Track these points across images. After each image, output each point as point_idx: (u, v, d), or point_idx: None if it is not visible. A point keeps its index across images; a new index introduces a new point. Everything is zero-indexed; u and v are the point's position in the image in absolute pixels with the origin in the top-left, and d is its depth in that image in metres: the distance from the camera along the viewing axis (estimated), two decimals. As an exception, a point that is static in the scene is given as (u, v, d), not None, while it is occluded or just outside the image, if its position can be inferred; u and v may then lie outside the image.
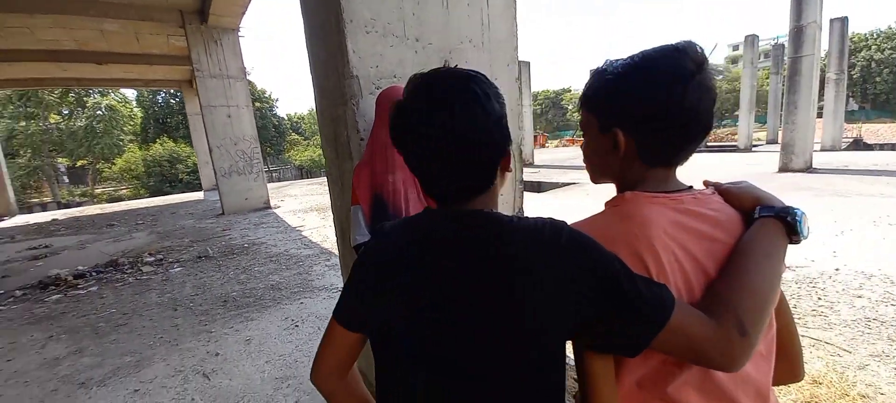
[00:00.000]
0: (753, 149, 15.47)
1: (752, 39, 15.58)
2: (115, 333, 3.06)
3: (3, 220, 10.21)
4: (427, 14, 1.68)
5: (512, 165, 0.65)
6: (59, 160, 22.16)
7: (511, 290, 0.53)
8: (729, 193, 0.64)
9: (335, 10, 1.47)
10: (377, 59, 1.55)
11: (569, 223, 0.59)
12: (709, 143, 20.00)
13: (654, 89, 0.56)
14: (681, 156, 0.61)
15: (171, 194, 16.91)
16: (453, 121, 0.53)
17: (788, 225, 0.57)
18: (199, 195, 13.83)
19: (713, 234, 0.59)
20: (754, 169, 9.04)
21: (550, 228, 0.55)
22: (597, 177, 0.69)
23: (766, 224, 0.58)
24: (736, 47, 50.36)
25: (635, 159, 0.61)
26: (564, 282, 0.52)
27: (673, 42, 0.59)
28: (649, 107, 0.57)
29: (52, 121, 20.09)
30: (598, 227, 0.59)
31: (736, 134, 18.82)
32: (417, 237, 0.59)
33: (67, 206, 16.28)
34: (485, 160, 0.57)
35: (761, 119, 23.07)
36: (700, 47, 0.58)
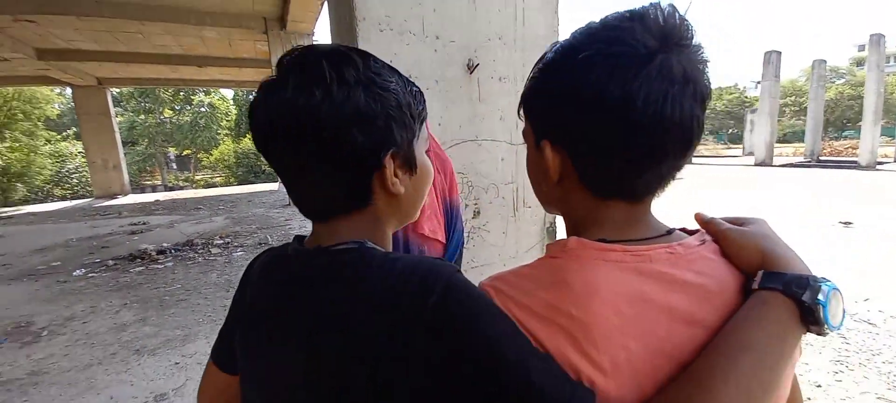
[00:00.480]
0: (878, 166, 13.03)
1: (877, 39, 13.19)
2: (175, 307, 3.39)
3: (117, 198, 12.07)
4: (450, 9, 1.58)
5: (404, 181, 0.49)
6: (169, 149, 25.69)
7: (340, 374, 0.39)
8: (727, 241, 0.43)
9: (348, 7, 1.43)
10: (391, 59, 1.47)
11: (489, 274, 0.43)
12: (821, 157, 17.11)
13: (587, 81, 0.38)
14: (645, 183, 0.42)
15: (254, 184, 18.74)
16: (281, 106, 0.41)
17: (804, 307, 0.36)
18: (274, 185, 15.14)
19: (694, 315, 0.39)
20: (874, 194, 7.55)
21: (419, 283, 0.39)
22: (545, 207, 0.53)
23: (767, 302, 0.37)
24: (861, 48, 42.95)
25: (577, 187, 0.44)
26: (418, 372, 0.37)
27: (637, 7, 0.39)
28: (581, 109, 0.39)
29: (165, 115, 23.39)
30: (518, 289, 0.42)
31: (857, 147, 15.97)
32: (272, 275, 0.49)
33: (171, 189, 18.79)
34: (332, 163, 0.43)
35: (889, 131, 19.38)
36: (670, 9, 0.38)
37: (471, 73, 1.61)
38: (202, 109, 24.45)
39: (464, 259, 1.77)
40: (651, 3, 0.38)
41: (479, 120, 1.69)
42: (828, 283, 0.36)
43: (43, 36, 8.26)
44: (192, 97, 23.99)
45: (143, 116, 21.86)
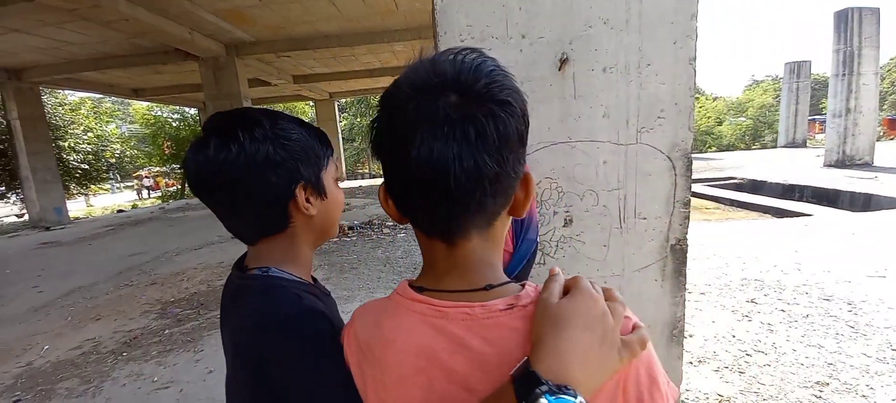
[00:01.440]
0: None
1: None
2: (349, 273, 4.28)
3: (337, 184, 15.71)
4: (539, 1, 1.48)
5: (316, 204, 0.61)
6: (375, 144, 31.71)
7: (240, 385, 0.54)
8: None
9: (433, 25, 1.52)
10: (472, 64, 1.50)
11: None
12: None
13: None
14: (431, 223, 0.41)
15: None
16: (206, 164, 0.56)
17: None
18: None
19: (470, 382, 0.37)
20: None
21: (260, 319, 0.52)
22: None
23: (500, 394, 0.34)
24: None
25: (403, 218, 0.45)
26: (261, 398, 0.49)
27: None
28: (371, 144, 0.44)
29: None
30: (362, 321, 0.46)
31: None
32: (225, 291, 0.64)
33: (374, 178, 23.23)
34: (255, 199, 0.57)
35: None
36: (461, 59, 0.37)
37: (560, 69, 1.48)
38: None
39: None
40: (450, 55, 0.38)
41: (574, 119, 1.54)
42: (556, 398, 0.29)
43: (295, 66, 11.43)
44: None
45: (359, 119, 27.62)
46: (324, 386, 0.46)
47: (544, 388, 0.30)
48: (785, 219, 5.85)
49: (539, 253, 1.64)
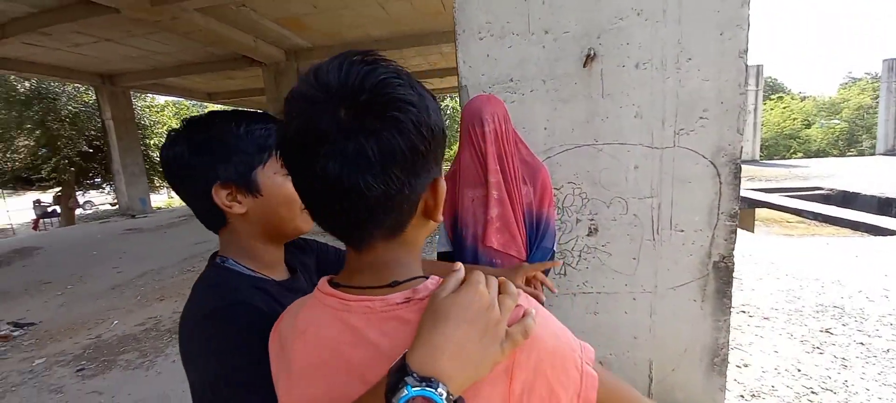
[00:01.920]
0: None
1: None
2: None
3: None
4: (563, -4, 1.38)
5: (247, 202, 0.61)
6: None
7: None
8: None
9: (453, 22, 1.47)
10: (489, 64, 1.45)
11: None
12: None
13: None
14: (332, 229, 0.41)
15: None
16: (163, 157, 0.60)
17: None
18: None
19: (365, 375, 0.38)
20: None
21: (195, 306, 0.53)
22: None
23: (376, 387, 0.35)
24: None
25: None
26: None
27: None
28: None
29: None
30: (289, 312, 0.47)
31: None
32: None
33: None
34: (189, 197, 0.60)
35: None
36: (346, 69, 0.36)
37: (585, 66, 1.37)
38: (447, 111, 29.56)
39: (574, 282, 1.54)
40: (339, 56, 0.37)
41: (600, 120, 1.42)
42: (418, 389, 0.31)
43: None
44: (444, 102, 29.31)
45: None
46: (226, 381, 0.46)
47: (408, 380, 0.31)
48: (879, 238, 5.04)
49: (561, 263, 1.53)
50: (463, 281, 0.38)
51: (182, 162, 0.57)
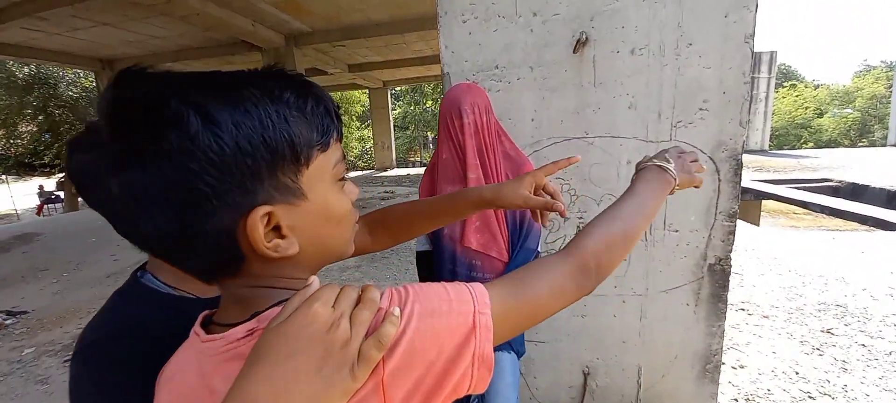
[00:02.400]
0: None
1: None
2: (380, 262, 4.31)
3: (387, 171, 16.10)
4: (552, -24, 1.28)
5: None
6: (428, 133, 32.06)
7: None
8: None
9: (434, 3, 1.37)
10: (473, 50, 1.35)
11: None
12: None
13: None
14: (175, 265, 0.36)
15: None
16: None
17: None
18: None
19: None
20: None
21: (93, 320, 0.49)
22: None
23: None
24: None
25: None
26: None
27: None
28: None
29: (427, 105, 29.20)
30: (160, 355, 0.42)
31: None
32: None
33: (423, 166, 23.52)
34: None
35: None
36: (109, 97, 0.31)
37: (576, 51, 1.27)
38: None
39: (561, 282, 1.46)
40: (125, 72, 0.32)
41: (592, 111, 1.32)
42: None
43: (350, 54, 11.75)
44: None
45: (412, 107, 28.04)
46: None
47: None
48: (886, 233, 4.91)
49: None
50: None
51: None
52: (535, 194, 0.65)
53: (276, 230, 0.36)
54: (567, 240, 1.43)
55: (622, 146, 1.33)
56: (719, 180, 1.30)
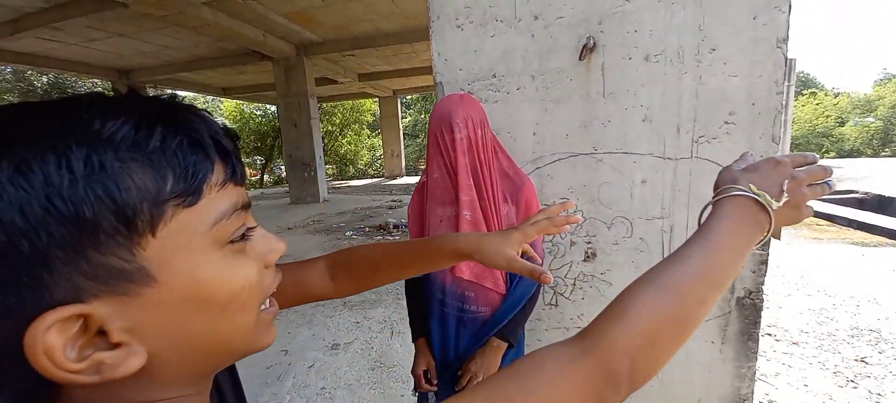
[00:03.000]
0: None
1: None
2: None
3: (396, 178, 16.04)
4: (556, -24, 1.15)
5: None
6: (438, 141, 32.01)
7: None
8: None
9: (427, 7, 1.25)
10: (469, 57, 1.22)
11: None
12: None
13: None
14: None
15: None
16: None
17: None
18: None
19: None
20: None
21: None
22: None
23: None
24: None
25: None
26: None
27: None
28: None
29: (437, 114, 29.23)
30: None
31: None
32: None
33: (434, 174, 23.40)
34: None
35: None
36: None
37: (583, 58, 1.14)
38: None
39: (567, 315, 1.31)
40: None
41: (601, 124, 1.18)
42: None
43: (360, 64, 11.79)
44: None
45: (422, 115, 28.09)
46: None
47: None
48: (924, 250, 4.60)
49: (551, 292, 1.31)
50: None
51: None
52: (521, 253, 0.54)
53: (103, 335, 0.23)
54: (574, 267, 1.29)
55: (636, 163, 1.18)
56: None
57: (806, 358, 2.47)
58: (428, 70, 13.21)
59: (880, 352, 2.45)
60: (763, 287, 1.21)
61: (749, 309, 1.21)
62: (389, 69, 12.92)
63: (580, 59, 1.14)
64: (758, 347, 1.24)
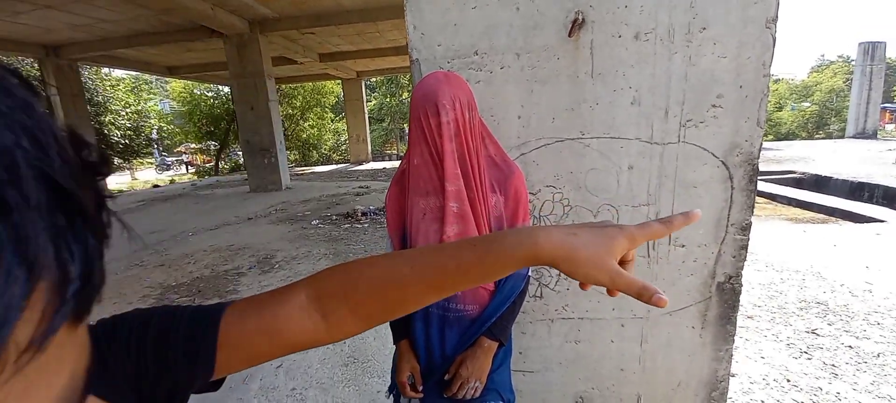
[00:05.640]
0: None
1: None
2: (352, 267, 4.05)
3: (362, 164, 15.65)
4: (543, -56, 1.06)
5: None
6: (404, 125, 31.51)
7: None
8: None
9: (400, -27, 1.13)
10: (448, 33, 1.11)
11: None
12: None
13: None
14: None
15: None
16: None
17: None
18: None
19: None
20: None
21: None
22: None
23: None
24: None
25: None
26: None
27: None
28: None
29: (403, 97, 28.64)
30: None
31: None
32: None
33: (399, 159, 23.08)
34: None
35: None
36: None
37: (571, 35, 1.06)
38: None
39: (552, 306, 1.27)
40: None
41: (589, 107, 1.12)
42: None
43: (321, 43, 11.23)
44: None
45: (388, 99, 27.46)
46: None
47: None
48: (854, 225, 5.05)
49: (536, 284, 1.25)
50: None
51: None
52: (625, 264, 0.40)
53: None
54: (559, 258, 1.24)
55: (623, 148, 1.14)
56: (732, 188, 1.13)
57: (761, 331, 2.62)
58: (394, 51, 12.80)
59: (829, 324, 2.64)
60: (742, 270, 1.21)
61: (728, 294, 1.21)
62: (353, 49, 12.40)
63: (569, 35, 1.06)
64: (735, 330, 1.25)
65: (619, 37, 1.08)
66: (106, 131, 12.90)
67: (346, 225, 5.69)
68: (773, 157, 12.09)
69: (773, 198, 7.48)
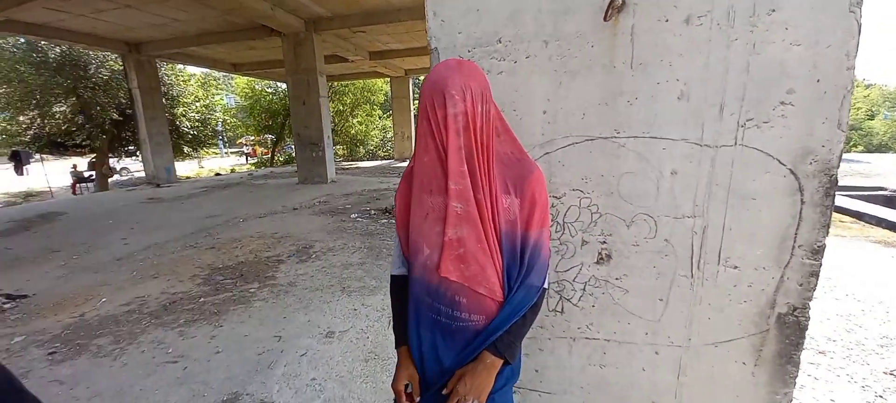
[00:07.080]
0: None
1: None
2: (383, 260, 4.07)
3: (405, 161, 15.88)
4: (578, -83, 0.94)
5: None
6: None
7: None
8: None
9: (421, -46, 1.06)
10: (470, 19, 1.03)
11: None
12: None
13: None
14: None
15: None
16: None
17: None
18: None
19: None
20: None
21: None
22: None
23: None
24: None
25: None
26: None
27: None
28: None
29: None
30: None
31: None
32: None
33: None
34: None
35: None
36: None
37: (608, 19, 0.94)
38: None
39: (575, 323, 1.14)
40: None
41: (626, 101, 0.99)
42: None
43: (371, 42, 11.51)
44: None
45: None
46: None
47: None
48: (964, 254, 4.28)
49: (556, 297, 1.14)
50: None
51: None
52: None
53: None
54: (584, 269, 1.11)
55: (666, 150, 0.99)
56: (802, 202, 0.94)
57: (833, 370, 2.27)
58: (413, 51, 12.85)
59: (915, 366, 2.24)
60: (810, 302, 1.02)
61: (792, 328, 1.02)
62: (401, 47, 12.60)
63: (605, 20, 0.94)
64: (798, 371, 1.06)
65: (666, 21, 0.93)
66: (177, 123, 14.13)
67: (384, 220, 5.76)
68: (861, 170, 10.70)
69: (859, 216, 6.57)
